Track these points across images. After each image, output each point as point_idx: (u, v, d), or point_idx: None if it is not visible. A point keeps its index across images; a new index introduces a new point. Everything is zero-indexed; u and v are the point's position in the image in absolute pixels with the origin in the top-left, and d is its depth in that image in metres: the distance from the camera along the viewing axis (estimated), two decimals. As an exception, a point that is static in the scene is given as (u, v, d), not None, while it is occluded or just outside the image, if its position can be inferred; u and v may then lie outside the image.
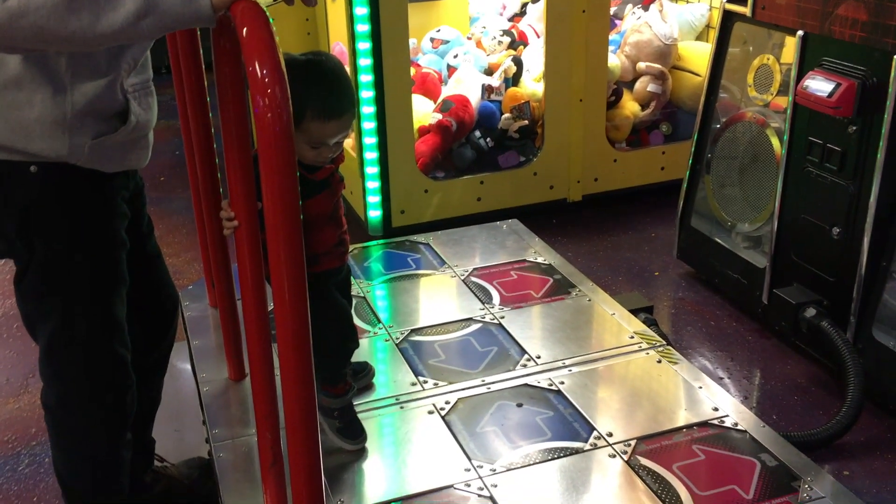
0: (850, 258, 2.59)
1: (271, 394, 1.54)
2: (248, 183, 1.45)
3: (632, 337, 2.27)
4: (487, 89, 3.82)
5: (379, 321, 2.36)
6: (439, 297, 2.55)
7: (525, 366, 2.14)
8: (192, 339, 2.30)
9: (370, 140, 3.50)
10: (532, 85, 3.89)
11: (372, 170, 3.56)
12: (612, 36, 4.05)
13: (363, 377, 2.07)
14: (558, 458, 1.81)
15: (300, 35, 4.22)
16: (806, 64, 2.68)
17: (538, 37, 4.11)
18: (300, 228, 1.23)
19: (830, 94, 2.51)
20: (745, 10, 2.95)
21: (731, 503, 1.67)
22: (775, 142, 2.89)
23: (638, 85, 4.08)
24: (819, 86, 2.56)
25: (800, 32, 2.69)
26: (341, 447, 1.84)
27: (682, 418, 1.95)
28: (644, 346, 2.23)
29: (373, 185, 3.58)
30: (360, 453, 1.85)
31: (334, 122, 1.61)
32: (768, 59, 2.95)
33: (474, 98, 3.78)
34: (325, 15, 4.09)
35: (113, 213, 1.72)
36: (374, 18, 3.33)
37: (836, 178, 2.63)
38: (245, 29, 1.18)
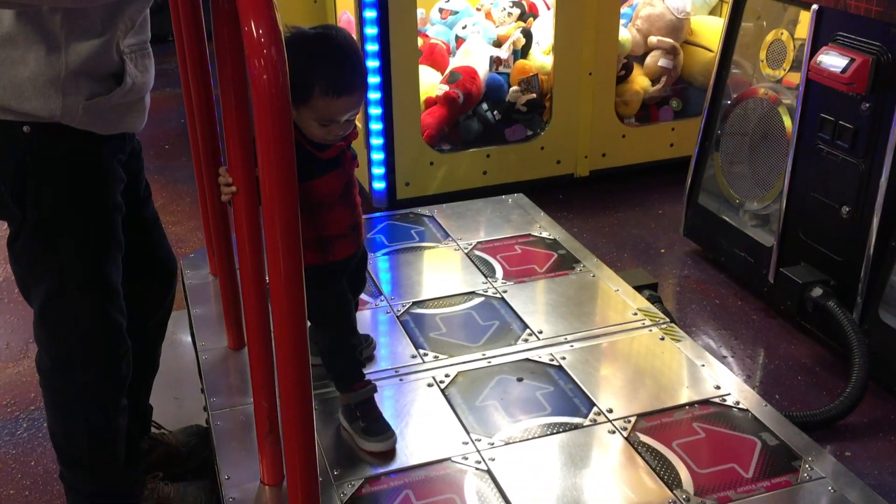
0: (859, 238, 2.55)
1: (269, 363, 1.53)
2: (245, 149, 1.43)
3: (635, 314, 2.25)
4: (496, 61, 3.77)
5: (381, 293, 2.35)
6: (442, 270, 2.53)
7: (527, 340, 2.13)
8: (192, 307, 2.29)
9: (375, 111, 3.47)
10: (541, 58, 3.84)
11: (377, 141, 3.52)
12: (624, 9, 3.98)
13: (364, 349, 2.05)
14: (557, 433, 1.80)
15: (307, 2, 4.18)
16: (820, 39, 2.63)
17: (548, 9, 4.05)
18: (296, 194, 1.20)
19: (844, 70, 2.46)
20: (760, -16, 2.89)
21: (730, 482, 1.66)
22: (786, 119, 2.84)
23: (649, 59, 4.02)
24: (833, 61, 2.51)
25: (815, 6, 2.64)
26: (372, 450, 1.73)
27: (684, 396, 1.93)
28: (647, 323, 2.21)
29: (378, 156, 3.55)
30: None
31: (344, 98, 1.55)
32: (782, 33, 2.89)
33: (482, 70, 3.73)
34: (332, -17, 4.04)
35: (108, 176, 1.69)
36: (382, -13, 3.28)
37: (847, 155, 2.58)
38: (242, -12, 1.15)
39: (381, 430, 1.76)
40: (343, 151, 1.67)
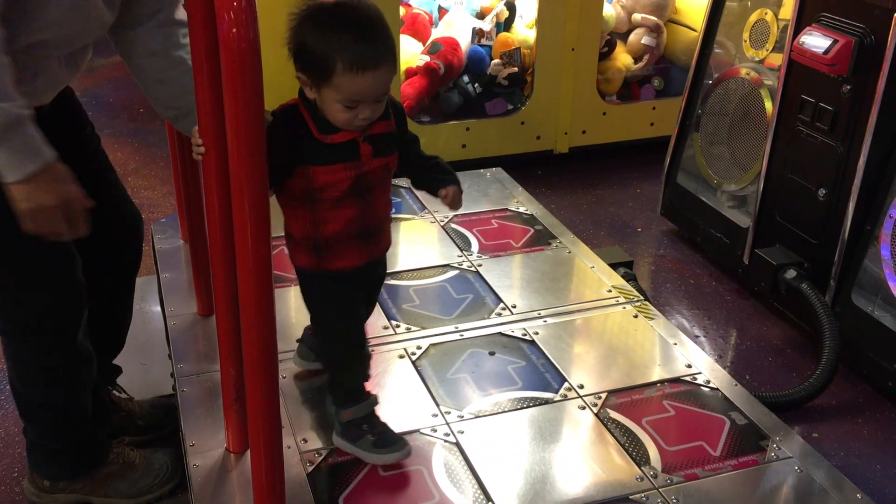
0: (835, 221, 2.56)
1: (236, 330, 1.49)
2: (216, 109, 1.38)
3: (609, 291, 2.24)
4: (478, 33, 3.72)
5: (354, 263, 2.32)
6: (417, 243, 2.51)
7: (500, 314, 2.11)
8: (161, 272, 2.25)
9: (355, 80, 3.41)
10: (524, 31, 3.80)
11: (356, 110, 3.47)
12: (609, -15, 3.95)
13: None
14: (528, 407, 1.79)
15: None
16: (804, 19, 2.62)
17: (533, -18, 4.00)
18: (264, 159, 1.17)
19: (826, 51, 2.45)
20: (746, -37, 2.87)
21: (698, 459, 1.66)
22: (767, 100, 2.84)
23: (632, 37, 3.99)
24: (815, 42, 2.50)
25: (799, -14, 2.62)
26: (386, 462, 1.61)
27: (655, 374, 1.93)
28: (621, 300, 2.20)
29: (356, 126, 3.50)
30: (327, 397, 1.81)
31: (369, 74, 1.37)
32: (766, 13, 2.88)
33: (464, 41, 3.69)
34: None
35: None
36: (364, -48, 3.22)
37: (826, 138, 2.58)
38: (213, -60, 1.11)
39: (393, 440, 1.62)
40: (357, 142, 1.48)
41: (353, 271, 1.57)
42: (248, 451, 1.56)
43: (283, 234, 1.57)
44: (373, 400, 1.65)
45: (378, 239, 1.60)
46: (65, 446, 1.89)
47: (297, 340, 1.89)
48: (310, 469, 1.60)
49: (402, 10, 3.62)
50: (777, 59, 2.80)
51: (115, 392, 2.19)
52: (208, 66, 1.32)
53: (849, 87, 2.48)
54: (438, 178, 1.65)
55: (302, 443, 1.66)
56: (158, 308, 2.41)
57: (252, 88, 1.07)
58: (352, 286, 1.60)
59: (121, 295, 2.09)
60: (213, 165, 1.41)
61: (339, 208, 1.50)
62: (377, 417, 1.65)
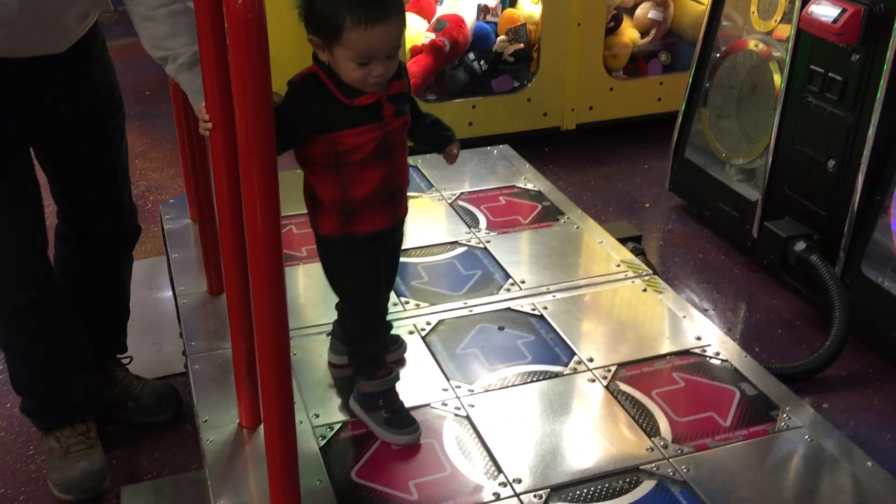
0: (844, 192, 2.55)
1: (246, 307, 1.50)
2: (222, 87, 1.38)
3: (618, 265, 2.24)
4: (483, 10, 3.70)
5: (362, 241, 2.32)
6: (425, 220, 2.51)
7: (509, 290, 2.12)
8: (171, 252, 2.26)
9: (360, 58, 3.40)
10: (529, 7, 3.78)
11: (362, 89, 3.46)
12: (615, -41, 3.91)
13: (395, 348, 1.85)
14: (537, 381, 1.80)
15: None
16: (812, -11, 2.59)
17: (538, -43, 3.97)
18: (272, 134, 1.17)
19: (835, 20, 2.43)
20: (753, -67, 2.84)
21: (708, 430, 1.67)
22: (776, 72, 2.82)
23: (639, 11, 3.96)
24: (824, 11, 2.48)
25: (808, -44, 2.60)
26: (395, 443, 1.62)
27: (665, 346, 1.93)
28: (630, 274, 2.20)
29: (362, 105, 3.49)
30: (341, 371, 1.83)
31: (380, 27, 1.37)
32: (774, -16, 2.85)
33: (469, 18, 3.67)
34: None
35: None
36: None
37: (835, 108, 2.57)
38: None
39: (406, 423, 1.63)
40: (381, 103, 1.49)
41: (378, 235, 1.58)
42: (261, 427, 1.57)
43: (290, 213, 1.57)
44: (394, 376, 1.67)
45: (401, 201, 1.61)
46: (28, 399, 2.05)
47: (328, 335, 1.86)
48: (322, 443, 1.61)
49: (406, -12, 3.60)
50: (785, 31, 2.78)
51: (114, 366, 2.22)
52: (213, 38, 1.32)
53: (858, 56, 2.46)
54: (443, 136, 1.72)
55: (314, 417, 1.68)
56: (169, 288, 2.42)
57: (259, 60, 1.07)
58: (375, 251, 1.61)
59: (116, 288, 2.15)
60: (220, 141, 1.41)
61: (366, 170, 1.51)
62: (396, 395, 1.66)
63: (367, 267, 1.61)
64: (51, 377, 2.00)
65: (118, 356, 2.26)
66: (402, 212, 1.64)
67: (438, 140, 1.73)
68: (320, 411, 1.70)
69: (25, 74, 1.74)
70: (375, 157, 1.50)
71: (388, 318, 1.86)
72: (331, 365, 1.82)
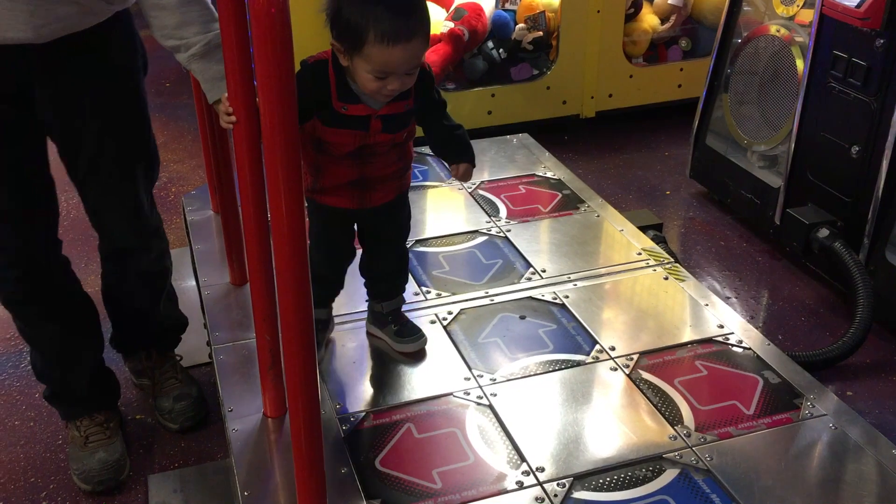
0: (868, 178, 2.52)
1: (270, 297, 1.52)
2: (245, 77, 1.39)
3: (639, 253, 2.23)
4: (502, -3, 3.69)
5: (383, 231, 2.33)
6: (445, 210, 2.51)
7: (530, 279, 2.12)
8: (194, 243, 2.28)
9: (379, 48, 3.40)
10: (548, -6, 3.75)
11: (381, 79, 3.46)
12: (634, -56, 3.88)
13: (414, 341, 1.86)
14: (559, 370, 1.80)
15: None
16: (835, -27, 2.56)
17: (556, -56, 3.94)
18: (296, 125, 1.18)
19: (859, 5, 2.40)
20: (775, -84, 2.81)
21: (731, 418, 1.67)
22: (798, 57, 2.79)
23: (658, -3, 3.93)
24: (847, -4, 2.45)
25: (831, -61, 2.56)
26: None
27: (687, 335, 1.93)
28: (651, 262, 2.19)
29: (381, 95, 3.49)
30: (361, 362, 1.84)
31: (401, 46, 1.40)
32: (796, -32, 2.82)
33: (488, 6, 3.65)
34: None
35: None
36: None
37: (859, 94, 2.54)
38: None
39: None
40: (369, 119, 1.53)
41: (339, 211, 1.67)
42: (286, 416, 1.59)
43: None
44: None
45: (373, 190, 1.65)
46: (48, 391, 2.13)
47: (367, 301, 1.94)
48: (347, 432, 1.63)
49: (424, -23, 3.58)
50: (807, 16, 2.75)
51: (147, 360, 2.26)
52: (236, 32, 1.33)
53: (882, 41, 2.43)
54: (455, 152, 1.73)
55: (338, 407, 1.69)
56: (192, 279, 2.45)
57: (283, 54, 1.07)
58: (335, 222, 1.71)
59: (122, 298, 2.19)
60: (243, 133, 1.42)
61: (340, 165, 1.59)
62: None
63: (322, 230, 1.70)
64: (60, 367, 2.05)
65: (166, 352, 2.27)
66: (373, 201, 1.67)
67: (455, 154, 1.72)
68: (343, 401, 1.71)
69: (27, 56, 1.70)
70: (350, 158, 1.57)
71: (411, 307, 1.89)
72: (368, 334, 1.91)
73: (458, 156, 1.72)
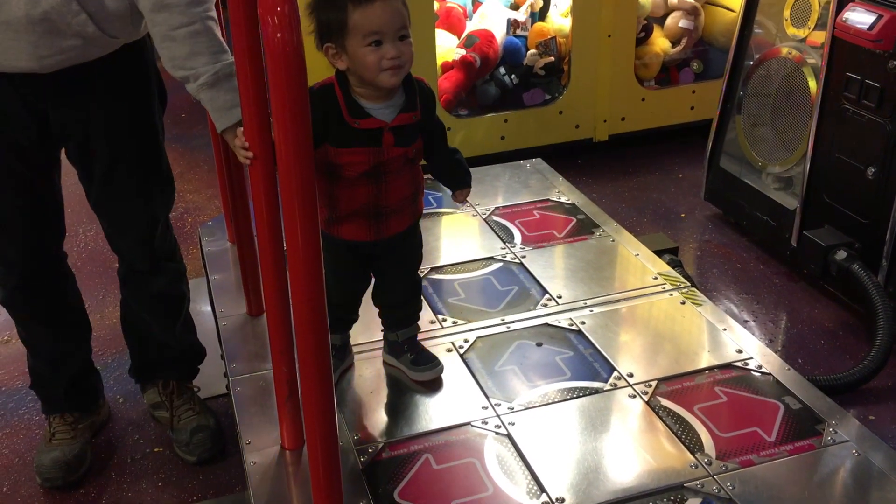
0: (885, 199, 2.51)
1: (287, 328, 1.52)
2: (261, 113, 1.41)
3: (655, 278, 2.22)
4: (513, 24, 3.71)
5: (398, 259, 2.33)
6: (460, 236, 2.52)
7: (546, 305, 2.11)
8: (210, 274, 2.29)
9: (392, 76, 3.42)
10: (559, 20, 3.78)
11: (394, 107, 3.48)
12: (644, -31, 3.90)
13: (430, 370, 1.87)
14: (577, 397, 1.79)
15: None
16: (846, -4, 2.56)
17: (566, -30, 3.97)
18: (311, 158, 1.19)
19: (871, 27, 2.40)
20: (784, -60, 2.82)
21: (752, 445, 1.65)
22: (811, 79, 2.78)
23: (669, 21, 3.95)
24: (859, 18, 2.45)
25: (841, -38, 2.57)
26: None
27: (705, 360, 1.91)
28: (668, 287, 2.18)
29: (395, 122, 3.51)
30: (378, 391, 1.84)
31: (378, 1, 1.46)
32: (807, -9, 2.82)
33: (499, 33, 3.68)
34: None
35: None
36: (397, -51, 3.23)
37: (873, 115, 2.53)
38: (254, -53, 1.13)
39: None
40: (382, 130, 1.57)
41: (355, 244, 1.69)
42: (304, 448, 1.59)
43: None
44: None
45: (388, 220, 1.68)
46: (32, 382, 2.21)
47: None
48: (365, 464, 1.62)
49: (436, 5, 3.62)
50: (819, 37, 2.75)
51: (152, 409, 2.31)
52: (252, 69, 1.34)
53: (895, 62, 2.42)
54: (457, 178, 1.82)
55: (355, 438, 1.69)
56: (208, 310, 2.45)
57: (298, 91, 1.09)
58: (350, 255, 1.72)
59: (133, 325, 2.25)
60: (259, 165, 1.43)
61: (355, 187, 1.60)
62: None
63: (337, 266, 1.69)
64: (45, 367, 2.15)
65: (184, 383, 2.28)
66: (389, 230, 1.69)
67: (456, 180, 1.83)
68: (361, 432, 1.71)
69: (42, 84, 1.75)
70: (365, 178, 1.59)
71: (427, 336, 1.89)
72: (385, 364, 1.92)
73: (460, 182, 1.83)
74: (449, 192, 1.90)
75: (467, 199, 1.88)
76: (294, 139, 1.13)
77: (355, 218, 1.65)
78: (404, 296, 1.85)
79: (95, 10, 1.65)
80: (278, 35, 1.05)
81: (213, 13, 1.67)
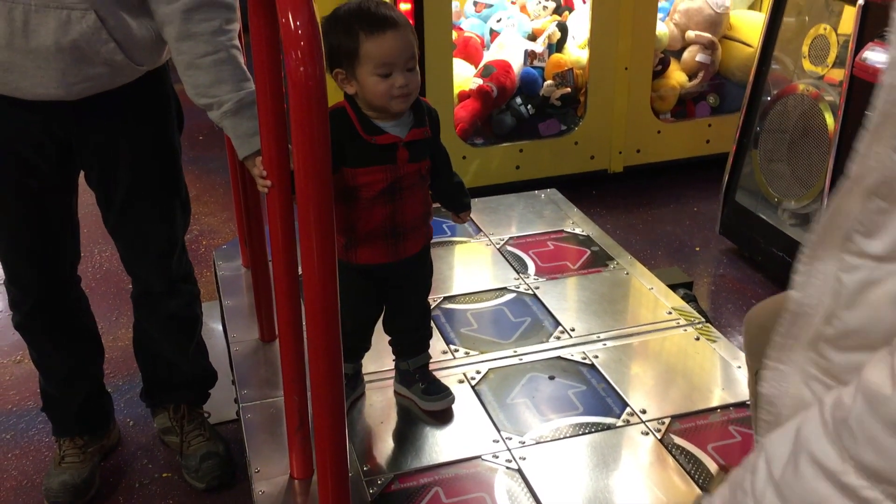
0: (903, 239, 2.49)
1: (299, 356, 1.52)
2: (280, 144, 1.42)
3: (669, 313, 2.21)
4: (530, 55, 3.73)
5: (412, 287, 2.33)
6: (474, 266, 2.51)
7: (559, 338, 2.10)
8: (224, 298, 2.29)
9: (409, 104, 3.44)
10: (576, 52, 3.79)
11: (410, 134, 3.50)
12: (662, 3, 3.92)
13: (440, 400, 1.88)
14: (589, 433, 1.78)
15: (341, -5, 4.17)
16: (865, 35, 2.56)
17: (584, 2, 4.00)
18: (331, 190, 1.19)
19: (890, 67, 2.39)
20: (803, -22, 2.83)
21: (766, 487, 1.62)
22: (828, 116, 2.78)
23: (686, 54, 3.96)
24: (879, 58, 2.44)
25: (860, 1, 2.57)
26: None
27: (719, 398, 1.90)
28: (682, 322, 2.17)
29: (410, 150, 3.53)
30: (389, 422, 1.83)
31: (390, 33, 1.52)
32: (825, 29, 2.83)
33: (516, 64, 3.70)
34: (367, -25, 4.03)
35: None
36: (417, -21, 3.26)
37: (891, 154, 2.52)
38: (279, -20, 1.14)
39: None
40: (397, 146, 1.61)
41: (374, 267, 1.70)
42: (313, 477, 1.58)
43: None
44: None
45: (406, 240, 1.70)
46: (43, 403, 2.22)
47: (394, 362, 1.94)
48: (374, 495, 1.61)
49: (454, 35, 3.64)
50: (837, 75, 2.75)
51: (161, 434, 2.30)
52: (272, 100, 1.35)
53: (914, 102, 2.42)
54: (461, 202, 1.85)
55: (364, 469, 1.67)
56: (219, 334, 2.46)
57: (320, 124, 1.09)
58: (368, 280, 1.73)
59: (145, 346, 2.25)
60: (277, 197, 1.44)
61: (373, 207, 1.62)
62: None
63: (355, 292, 1.70)
64: (56, 390, 2.16)
65: (195, 408, 2.27)
66: (406, 251, 1.71)
67: (456, 204, 1.85)
68: (370, 463, 1.70)
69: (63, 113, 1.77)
70: (382, 196, 1.62)
71: (439, 366, 1.88)
72: (396, 394, 1.92)
73: (464, 204, 1.86)
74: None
75: (470, 217, 1.92)
76: (314, 170, 1.13)
77: (373, 240, 1.66)
78: (416, 320, 1.86)
79: (124, 38, 1.67)
80: (301, 69, 1.06)
81: (237, 42, 1.68)
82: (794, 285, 0.73)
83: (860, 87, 2.60)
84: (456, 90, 3.57)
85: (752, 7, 4.17)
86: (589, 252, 2.52)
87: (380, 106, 1.58)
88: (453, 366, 1.99)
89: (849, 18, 2.66)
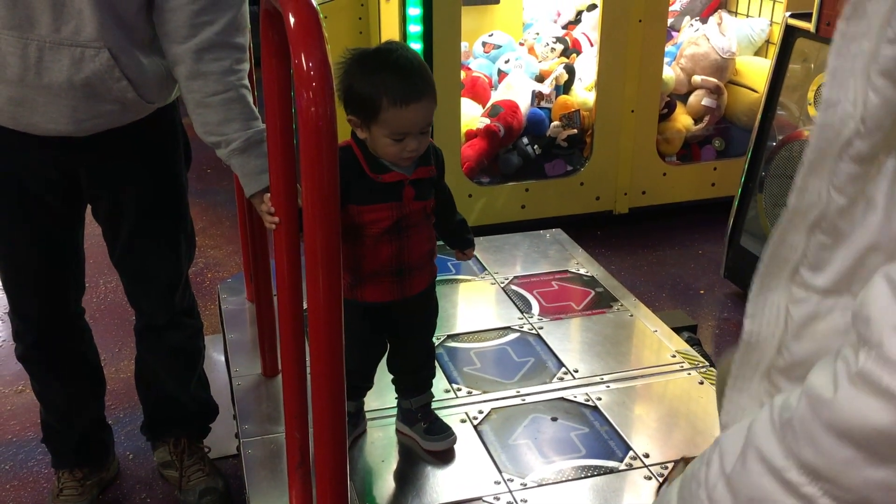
0: (908, 286, 2.48)
1: (302, 393, 1.52)
2: (289, 181, 1.43)
3: (673, 356, 2.20)
4: (538, 96, 3.77)
5: (415, 325, 2.33)
6: (477, 304, 2.51)
7: (562, 379, 2.10)
8: (227, 332, 2.29)
9: (416, 142, 3.47)
10: (583, 94, 3.83)
11: (417, 172, 3.52)
12: (668, 47, 3.97)
13: (442, 440, 1.87)
14: (592, 476, 1.76)
15: (352, 34, 4.22)
16: (870, 83, 2.59)
17: (591, 45, 4.05)
18: (339, 228, 1.20)
19: None
20: (809, 26, 2.86)
21: (770, 535, 1.60)
22: (833, 162, 2.79)
23: (692, 98, 3.99)
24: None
25: (865, 50, 2.60)
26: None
27: (723, 443, 1.88)
28: (686, 365, 2.16)
29: (417, 187, 3.55)
30: (389, 461, 1.82)
31: (413, 106, 1.51)
32: (830, 76, 2.85)
33: (524, 104, 3.73)
34: (377, 14, 4.08)
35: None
36: (427, 20, 3.31)
37: (896, 202, 2.52)
38: (293, 20, 1.16)
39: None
40: (403, 184, 1.62)
41: (380, 306, 1.70)
42: (312, 516, 1.56)
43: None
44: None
45: (411, 277, 1.69)
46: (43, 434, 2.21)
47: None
48: (372, 535, 1.59)
49: (462, 74, 3.69)
50: (843, 122, 2.76)
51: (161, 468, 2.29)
52: (282, 140, 1.37)
53: (919, 150, 2.43)
54: (465, 238, 1.86)
55: (364, 508, 1.66)
56: (222, 368, 2.45)
57: (330, 164, 1.10)
58: (374, 318, 1.73)
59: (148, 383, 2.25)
60: (284, 234, 1.45)
61: (378, 245, 1.62)
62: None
63: (355, 333, 1.65)
64: (57, 422, 2.15)
65: (195, 442, 2.26)
66: (413, 288, 1.71)
67: (459, 241, 1.86)
68: (371, 501, 1.68)
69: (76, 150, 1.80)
70: (388, 234, 1.62)
71: (441, 405, 1.87)
72: (398, 432, 1.91)
73: (467, 243, 1.87)
74: (469, 260, 1.92)
75: (474, 254, 1.93)
76: (323, 210, 1.14)
77: (379, 278, 1.67)
78: (420, 360, 1.85)
79: (136, 76, 1.69)
80: (312, 109, 1.08)
81: (247, 81, 1.71)
82: (746, 316, 0.75)
83: (865, 135, 2.61)
84: (463, 129, 3.61)
85: (757, 53, 4.22)
86: (593, 293, 2.52)
87: (387, 160, 1.60)
88: (455, 405, 1.99)
89: (854, 67, 2.68)
